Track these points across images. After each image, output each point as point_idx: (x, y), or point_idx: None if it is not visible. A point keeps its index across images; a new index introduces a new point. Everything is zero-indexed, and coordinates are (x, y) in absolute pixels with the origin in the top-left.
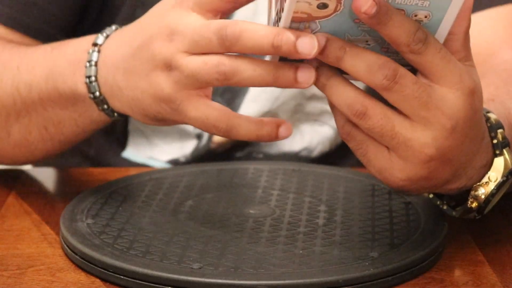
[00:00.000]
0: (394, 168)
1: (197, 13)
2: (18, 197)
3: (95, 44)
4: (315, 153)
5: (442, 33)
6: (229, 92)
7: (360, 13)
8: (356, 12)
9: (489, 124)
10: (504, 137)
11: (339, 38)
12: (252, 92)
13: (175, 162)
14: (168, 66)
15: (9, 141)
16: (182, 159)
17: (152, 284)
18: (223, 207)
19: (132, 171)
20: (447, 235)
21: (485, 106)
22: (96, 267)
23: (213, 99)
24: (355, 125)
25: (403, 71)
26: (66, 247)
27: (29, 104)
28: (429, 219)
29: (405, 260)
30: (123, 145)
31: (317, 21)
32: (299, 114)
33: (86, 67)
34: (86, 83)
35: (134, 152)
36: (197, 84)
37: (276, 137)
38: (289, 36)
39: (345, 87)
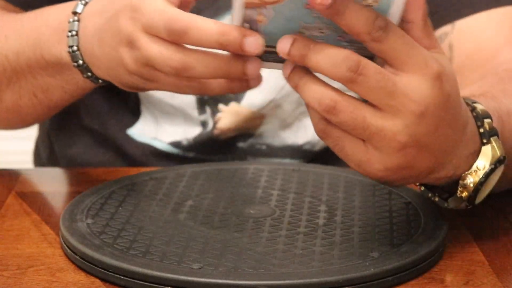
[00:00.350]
0: (371, 160)
1: None
2: (18, 197)
3: (74, 13)
4: (318, 147)
5: (394, 17)
6: None
7: (316, 5)
8: (312, 4)
9: (475, 114)
10: (492, 127)
11: (304, 37)
12: None
13: (177, 145)
14: (130, 43)
15: (2, 107)
16: (185, 142)
17: (152, 284)
18: (223, 207)
19: (132, 171)
20: (447, 235)
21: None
22: (96, 267)
23: None
24: (329, 122)
25: (365, 62)
26: (66, 247)
27: (18, 71)
28: (429, 219)
29: (405, 260)
30: (132, 122)
31: (270, 7)
32: (303, 107)
33: (68, 37)
34: (69, 52)
35: (140, 131)
36: (156, 67)
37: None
38: (235, 35)
39: (315, 84)
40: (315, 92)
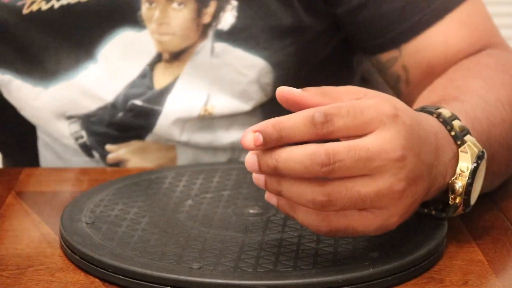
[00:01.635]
0: (384, 220)
1: None
2: (17, 197)
3: None
4: (243, 159)
5: None
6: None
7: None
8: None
9: (441, 119)
10: (462, 127)
11: (266, 151)
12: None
13: None
14: None
15: None
16: None
17: (152, 284)
18: (223, 207)
19: (132, 171)
20: (447, 235)
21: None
22: (95, 267)
23: (129, 119)
24: (330, 222)
25: (332, 148)
26: (66, 247)
27: None
28: (429, 219)
29: (405, 260)
30: (35, 164)
31: None
32: (214, 135)
33: None
34: None
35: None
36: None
37: None
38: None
39: (299, 186)
40: (305, 194)
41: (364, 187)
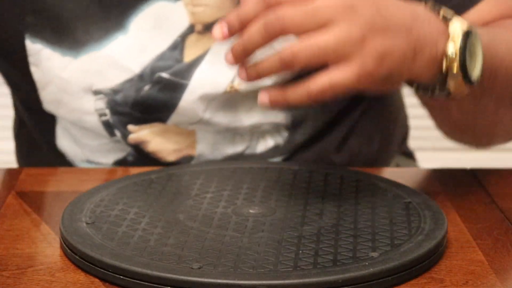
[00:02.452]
0: (360, 65)
1: None
2: (18, 197)
3: None
4: (259, 150)
5: None
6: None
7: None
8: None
9: (428, 5)
10: (451, 12)
11: (235, 45)
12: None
13: (122, 162)
14: None
15: None
16: (130, 158)
17: (152, 284)
18: (223, 207)
19: (132, 171)
20: (447, 235)
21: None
22: (95, 267)
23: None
24: (315, 86)
25: (278, 9)
26: (66, 247)
27: None
28: (429, 219)
29: (405, 260)
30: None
31: None
32: (233, 119)
33: None
34: None
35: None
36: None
37: None
38: None
39: (267, 57)
40: (271, 59)
41: (321, 37)
